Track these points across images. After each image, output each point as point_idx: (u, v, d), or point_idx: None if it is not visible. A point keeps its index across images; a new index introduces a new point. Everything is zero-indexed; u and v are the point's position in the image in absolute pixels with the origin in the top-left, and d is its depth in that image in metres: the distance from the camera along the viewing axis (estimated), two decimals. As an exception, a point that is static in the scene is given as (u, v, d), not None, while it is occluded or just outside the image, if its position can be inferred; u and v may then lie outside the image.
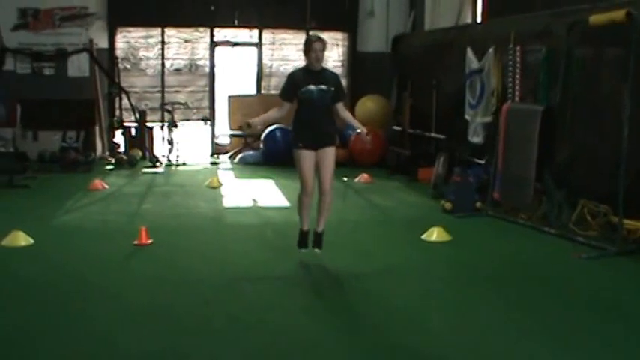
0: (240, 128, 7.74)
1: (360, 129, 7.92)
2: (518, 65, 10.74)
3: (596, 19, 8.91)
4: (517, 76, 10.75)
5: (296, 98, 7.51)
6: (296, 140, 7.57)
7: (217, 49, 17.72)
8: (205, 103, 17.77)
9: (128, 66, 17.25)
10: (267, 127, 15.14)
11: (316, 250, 7.78)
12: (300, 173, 7.58)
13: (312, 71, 7.50)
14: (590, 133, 9.64)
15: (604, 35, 9.23)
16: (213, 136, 17.87)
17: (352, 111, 15.98)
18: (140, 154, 16.02)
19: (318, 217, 7.77)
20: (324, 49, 7.49)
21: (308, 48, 7.46)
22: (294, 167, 7.73)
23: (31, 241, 8.41)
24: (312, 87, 7.40)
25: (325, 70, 7.65)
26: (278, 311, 6.26)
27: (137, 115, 16.22)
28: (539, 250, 8.63)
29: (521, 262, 8.06)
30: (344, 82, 17.89)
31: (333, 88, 7.51)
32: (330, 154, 7.55)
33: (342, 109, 7.75)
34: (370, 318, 6.11)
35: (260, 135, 15.81)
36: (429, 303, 6.55)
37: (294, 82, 7.52)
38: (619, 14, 8.50)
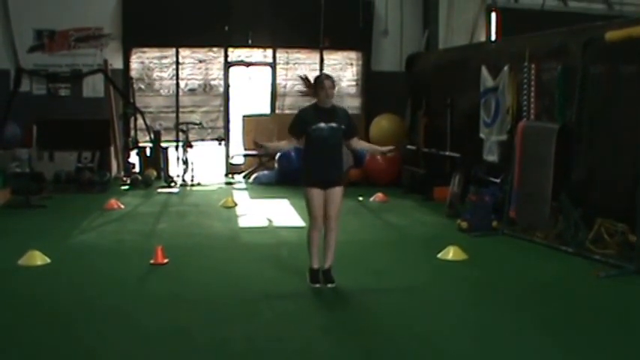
0: (254, 144, 7.87)
1: (383, 150, 8.32)
2: (533, 83, 10.71)
3: (612, 35, 8.87)
4: (532, 94, 10.71)
5: (306, 135, 7.53)
6: (306, 178, 7.59)
7: (231, 69, 17.78)
8: (220, 123, 17.83)
9: (143, 86, 17.33)
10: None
11: (329, 285, 7.62)
12: (309, 209, 7.62)
13: (323, 109, 7.53)
14: (606, 151, 9.57)
15: (620, 52, 9.19)
16: (227, 155, 17.90)
17: (367, 131, 16.03)
18: (155, 174, 16.06)
19: (325, 254, 7.71)
20: (333, 87, 7.58)
21: (319, 86, 7.51)
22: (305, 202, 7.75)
23: (48, 260, 8.42)
24: (322, 125, 7.43)
25: (335, 108, 7.68)
26: (294, 331, 6.22)
27: (152, 136, 16.29)
28: (556, 268, 8.56)
29: (538, 281, 7.98)
30: (358, 101, 18.16)
31: (343, 126, 7.55)
32: (337, 193, 7.60)
33: (356, 142, 7.89)
34: (387, 338, 6.06)
35: (275, 155, 15.84)
36: (446, 322, 6.49)
37: (305, 119, 7.55)
38: (637, 30, 8.45)
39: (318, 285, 7.61)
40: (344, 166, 8.00)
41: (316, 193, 7.49)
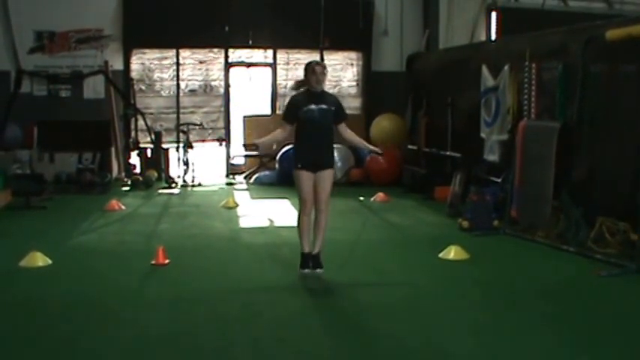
0: (246, 147, 8.05)
1: (371, 149, 8.73)
2: (534, 82, 10.70)
3: (613, 34, 8.88)
4: (533, 93, 10.71)
5: (298, 119, 7.77)
6: (296, 161, 7.84)
7: (232, 70, 17.77)
8: (220, 123, 17.81)
9: (143, 87, 17.31)
10: (282, 147, 15.17)
11: (318, 270, 7.87)
12: (299, 193, 7.84)
13: (313, 93, 7.80)
14: (607, 149, 9.57)
15: (621, 51, 9.19)
16: (228, 156, 17.89)
17: (367, 131, 16.03)
18: (156, 174, 16.06)
19: (314, 239, 7.90)
20: (324, 72, 7.84)
21: (309, 71, 7.79)
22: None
23: (49, 261, 8.41)
24: (313, 107, 7.70)
25: (325, 93, 7.96)
26: (296, 331, 6.21)
27: (153, 136, 16.27)
28: (557, 268, 8.55)
29: (539, 280, 7.97)
30: (358, 101, 18.15)
31: (333, 108, 7.82)
32: (327, 176, 7.81)
33: (345, 129, 8.08)
34: (389, 337, 6.05)
35: (275, 155, 15.84)
36: (447, 322, 6.48)
37: (296, 103, 7.84)
38: (637, 29, 8.45)
39: (307, 270, 7.86)
40: (334, 150, 8.13)
41: (306, 176, 7.73)
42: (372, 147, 8.88)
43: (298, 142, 7.90)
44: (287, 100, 8.42)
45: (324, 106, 7.72)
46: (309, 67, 7.80)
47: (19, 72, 15.32)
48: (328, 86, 8.04)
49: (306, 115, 7.69)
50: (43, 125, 15.34)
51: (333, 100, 7.94)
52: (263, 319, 6.53)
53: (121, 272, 8.18)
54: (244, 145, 8.07)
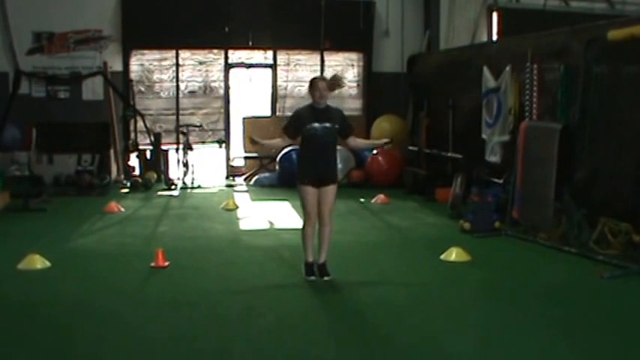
0: (249, 139, 8.13)
1: (380, 143, 9.19)
2: (535, 83, 10.66)
3: (615, 34, 8.84)
4: (535, 94, 10.67)
5: (301, 135, 7.81)
6: (301, 176, 7.87)
7: (232, 71, 17.72)
8: (220, 125, 17.76)
9: (143, 89, 17.26)
10: (283, 148, 15.13)
11: (325, 278, 7.87)
12: (304, 206, 7.89)
13: (317, 109, 7.80)
14: (609, 150, 9.53)
15: (623, 51, 9.14)
16: (228, 158, 17.84)
17: (368, 132, 15.98)
18: (155, 176, 16.01)
19: (319, 249, 7.96)
20: (327, 88, 7.81)
21: (312, 87, 7.80)
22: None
23: (48, 264, 8.37)
24: (316, 124, 7.70)
25: (329, 108, 7.91)
26: (297, 333, 6.18)
27: (152, 138, 16.23)
28: (559, 269, 8.51)
29: (541, 282, 7.93)
30: (359, 102, 18.09)
31: (337, 126, 7.81)
32: (331, 191, 7.85)
33: (353, 140, 8.17)
34: (391, 339, 6.01)
35: (275, 156, 15.80)
36: (450, 323, 6.44)
37: (299, 119, 7.85)
38: (639, 29, 8.41)
39: (312, 278, 7.89)
40: (338, 166, 8.20)
41: (310, 191, 7.77)
42: (380, 142, 9.20)
43: (302, 159, 7.99)
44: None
45: (327, 125, 7.71)
46: (312, 83, 7.81)
47: (18, 73, 15.29)
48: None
49: (309, 133, 7.70)
50: (42, 127, 15.31)
51: (338, 116, 7.90)
52: (264, 320, 6.50)
53: (120, 275, 8.15)
54: (249, 138, 8.18)
